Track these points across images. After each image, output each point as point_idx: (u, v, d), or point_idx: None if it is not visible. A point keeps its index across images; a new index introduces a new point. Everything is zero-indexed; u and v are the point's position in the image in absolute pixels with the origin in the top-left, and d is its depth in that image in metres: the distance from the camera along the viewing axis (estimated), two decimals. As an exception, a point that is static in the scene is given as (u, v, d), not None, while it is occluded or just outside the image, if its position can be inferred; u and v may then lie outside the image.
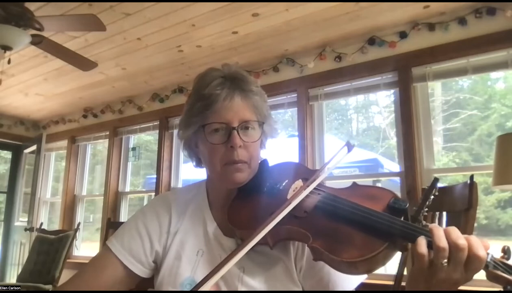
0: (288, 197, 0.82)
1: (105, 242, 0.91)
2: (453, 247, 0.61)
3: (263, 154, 0.95)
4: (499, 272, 0.60)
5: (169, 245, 0.90)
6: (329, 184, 0.90)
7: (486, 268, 0.61)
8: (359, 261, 0.66)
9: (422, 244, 0.63)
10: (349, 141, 0.88)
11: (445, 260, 0.61)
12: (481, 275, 0.63)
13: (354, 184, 0.85)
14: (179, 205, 0.95)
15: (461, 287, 0.64)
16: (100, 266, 0.87)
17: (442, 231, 0.63)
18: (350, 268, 0.68)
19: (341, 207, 0.75)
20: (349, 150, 0.88)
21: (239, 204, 0.88)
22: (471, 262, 0.61)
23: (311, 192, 0.81)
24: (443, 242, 0.61)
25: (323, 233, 0.73)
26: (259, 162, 0.92)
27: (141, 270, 0.89)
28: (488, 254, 0.61)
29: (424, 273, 0.63)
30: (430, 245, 0.63)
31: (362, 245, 0.68)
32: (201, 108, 0.86)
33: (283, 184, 0.87)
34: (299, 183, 0.86)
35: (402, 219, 0.70)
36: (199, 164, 0.96)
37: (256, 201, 0.87)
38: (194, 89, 0.91)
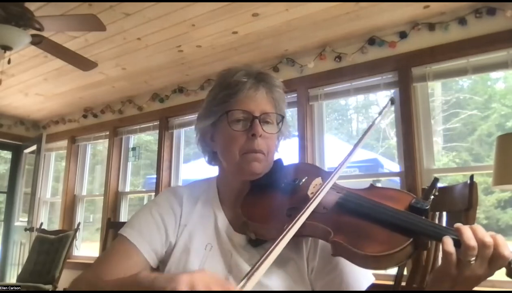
0: (309, 192, 0.83)
1: (120, 233, 0.87)
2: (480, 244, 0.62)
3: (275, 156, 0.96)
4: None
5: (178, 237, 0.90)
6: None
7: (508, 264, 0.62)
8: (383, 256, 0.67)
9: (449, 243, 0.64)
10: (393, 97, 0.95)
11: (473, 258, 0.62)
12: (499, 275, 0.65)
13: (372, 185, 0.86)
14: (190, 198, 0.95)
15: (478, 288, 0.65)
16: (122, 255, 0.84)
17: (470, 230, 0.64)
18: (372, 262, 0.68)
19: (364, 204, 0.76)
20: (392, 103, 0.95)
21: (254, 197, 0.89)
22: (496, 259, 0.62)
23: (330, 190, 0.81)
24: (473, 241, 0.62)
25: (344, 228, 0.73)
26: (274, 160, 0.93)
27: (154, 260, 0.88)
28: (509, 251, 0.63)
29: (452, 271, 0.64)
30: (457, 243, 0.64)
31: (386, 241, 0.68)
32: (226, 97, 0.88)
33: (303, 180, 0.88)
34: (318, 180, 0.86)
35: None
36: (212, 160, 0.97)
37: (272, 195, 0.88)
38: (219, 81, 0.93)
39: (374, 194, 0.80)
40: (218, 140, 0.92)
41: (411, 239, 0.67)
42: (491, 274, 0.64)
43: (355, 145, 0.88)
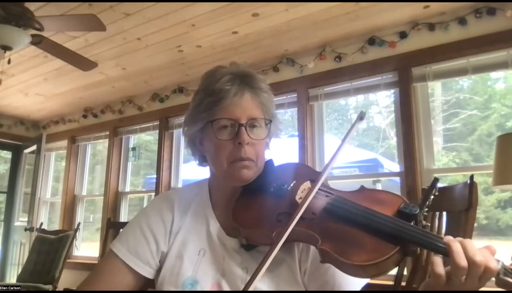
0: (297, 197, 0.82)
1: (110, 247, 0.90)
2: (471, 264, 0.61)
3: (267, 154, 0.94)
4: (509, 279, 0.61)
5: (171, 244, 0.90)
6: (330, 184, 0.89)
7: (496, 274, 0.62)
8: (369, 265, 0.66)
9: (439, 264, 0.63)
10: (362, 111, 0.88)
11: (464, 277, 0.61)
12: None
13: (362, 187, 0.84)
14: (181, 204, 0.94)
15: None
16: (109, 273, 0.87)
17: (461, 247, 0.62)
18: (359, 271, 0.68)
19: (351, 210, 0.75)
20: (361, 119, 0.88)
21: (244, 203, 0.88)
22: (484, 274, 0.61)
23: (320, 194, 0.80)
24: (463, 261, 0.61)
25: (332, 235, 0.73)
26: (265, 161, 0.92)
27: (149, 272, 0.89)
28: (498, 261, 0.62)
29: (441, 288, 0.64)
30: (445, 253, 0.63)
31: (372, 249, 0.68)
32: (210, 104, 0.86)
33: (291, 185, 0.86)
34: (307, 184, 0.85)
35: (412, 224, 0.70)
36: (202, 162, 0.96)
37: (262, 201, 0.87)
38: (203, 85, 0.90)
39: (363, 197, 0.79)
40: (206, 146, 0.90)
41: (398, 247, 0.66)
42: (482, 286, 0.63)
43: (332, 157, 0.84)
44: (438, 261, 0.63)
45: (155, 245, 0.89)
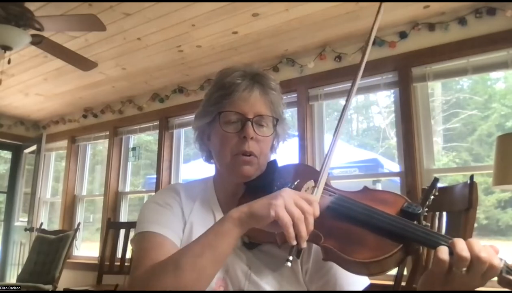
0: None
1: (137, 232, 0.86)
2: (476, 259, 0.61)
3: (272, 158, 0.96)
4: (511, 277, 0.61)
5: (183, 229, 0.90)
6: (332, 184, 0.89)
7: (500, 273, 0.62)
8: (372, 262, 0.66)
9: (445, 251, 0.63)
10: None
11: (465, 269, 0.61)
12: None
13: (365, 187, 0.85)
14: (187, 196, 0.95)
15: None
16: (157, 247, 0.80)
17: (463, 242, 0.63)
18: (361, 268, 0.68)
19: (354, 209, 0.75)
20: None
21: (247, 200, 0.88)
22: (487, 271, 0.61)
23: (323, 193, 0.81)
24: (465, 253, 0.61)
25: (335, 233, 0.73)
26: (268, 161, 0.93)
27: (179, 244, 0.86)
28: (501, 259, 0.62)
29: (441, 279, 0.64)
30: (451, 251, 0.63)
31: (375, 246, 0.68)
32: (220, 98, 0.88)
33: (295, 183, 0.87)
34: (311, 183, 0.85)
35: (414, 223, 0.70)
36: (209, 158, 0.97)
37: None
38: (215, 81, 0.93)
39: (366, 197, 0.79)
40: (213, 140, 0.92)
41: (401, 245, 0.67)
42: (484, 284, 0.63)
43: (340, 118, 0.86)
44: (444, 249, 0.63)
45: (181, 214, 0.89)
